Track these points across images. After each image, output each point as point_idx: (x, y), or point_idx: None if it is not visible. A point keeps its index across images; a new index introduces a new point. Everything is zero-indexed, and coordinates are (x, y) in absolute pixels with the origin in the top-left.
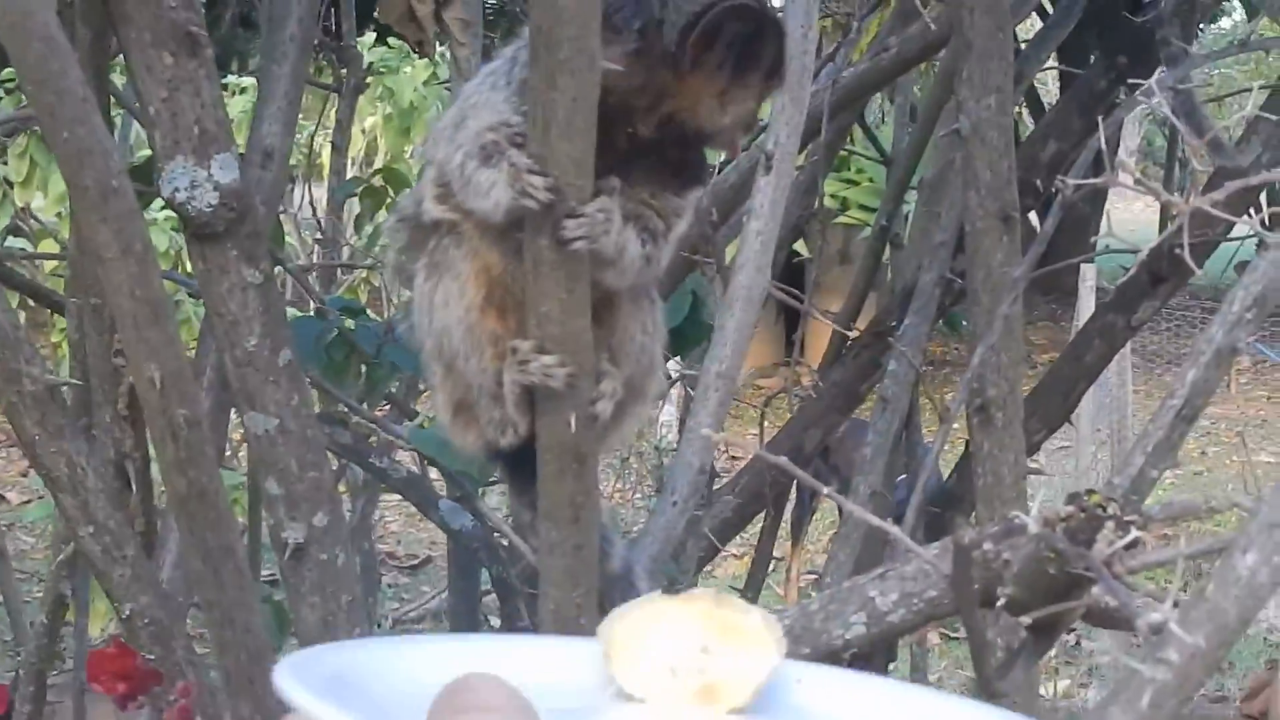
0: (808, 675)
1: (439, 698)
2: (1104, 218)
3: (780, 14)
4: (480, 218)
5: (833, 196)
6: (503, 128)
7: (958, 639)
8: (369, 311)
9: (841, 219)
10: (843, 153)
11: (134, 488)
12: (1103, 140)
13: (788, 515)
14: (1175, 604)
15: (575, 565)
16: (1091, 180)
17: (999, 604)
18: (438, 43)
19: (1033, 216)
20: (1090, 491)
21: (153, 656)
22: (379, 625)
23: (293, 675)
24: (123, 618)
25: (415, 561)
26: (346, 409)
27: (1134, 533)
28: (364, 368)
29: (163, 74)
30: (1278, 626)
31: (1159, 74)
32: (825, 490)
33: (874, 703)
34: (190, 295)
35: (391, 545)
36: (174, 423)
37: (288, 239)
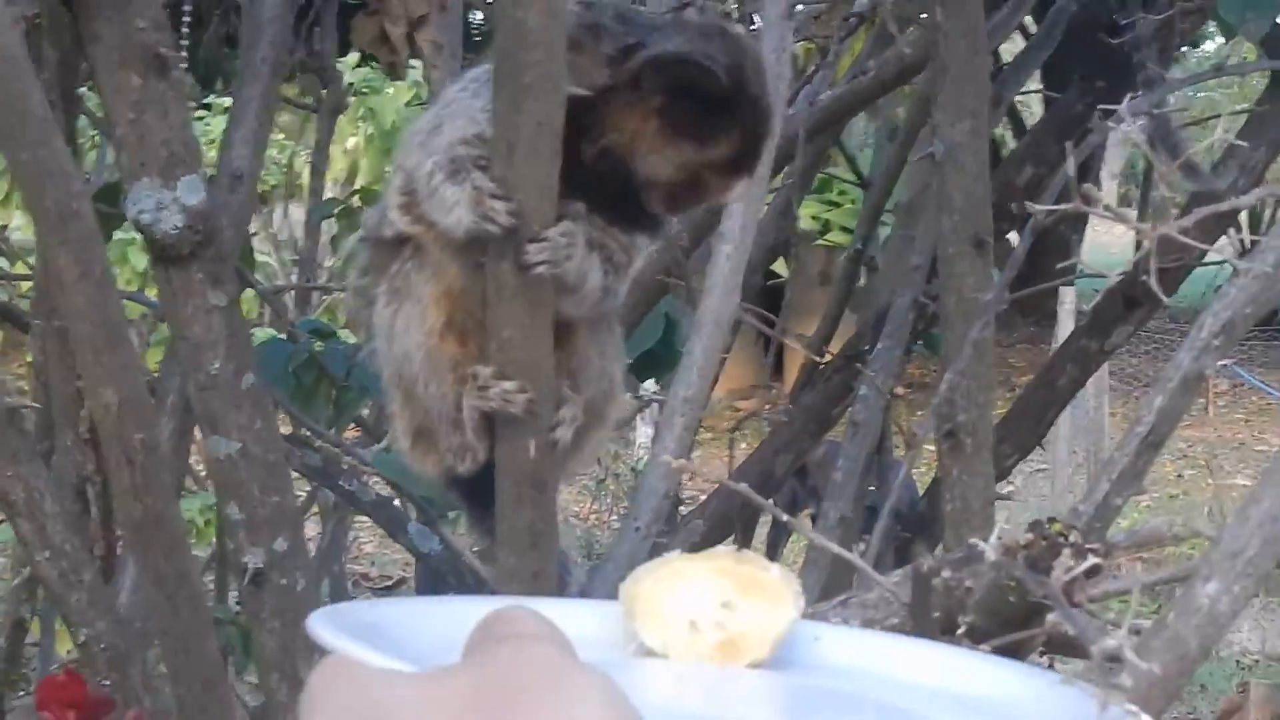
0: (826, 633)
1: (476, 629)
2: (1083, 241)
3: (773, 107)
4: (442, 231)
5: (814, 218)
6: (476, 141)
7: None
8: (344, 333)
9: (822, 241)
10: (823, 175)
11: (94, 512)
12: (1071, 165)
13: (764, 538)
14: (1137, 632)
15: (533, 592)
16: (1059, 206)
17: (960, 631)
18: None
19: (1014, 238)
20: (1051, 519)
21: (109, 683)
22: None
23: (328, 621)
24: (79, 643)
25: (389, 583)
26: (310, 432)
27: (1091, 560)
28: (334, 391)
29: (130, 95)
30: (1250, 649)
31: (1129, 98)
32: (784, 517)
33: (891, 658)
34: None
35: (366, 566)
36: (130, 447)
37: (268, 260)
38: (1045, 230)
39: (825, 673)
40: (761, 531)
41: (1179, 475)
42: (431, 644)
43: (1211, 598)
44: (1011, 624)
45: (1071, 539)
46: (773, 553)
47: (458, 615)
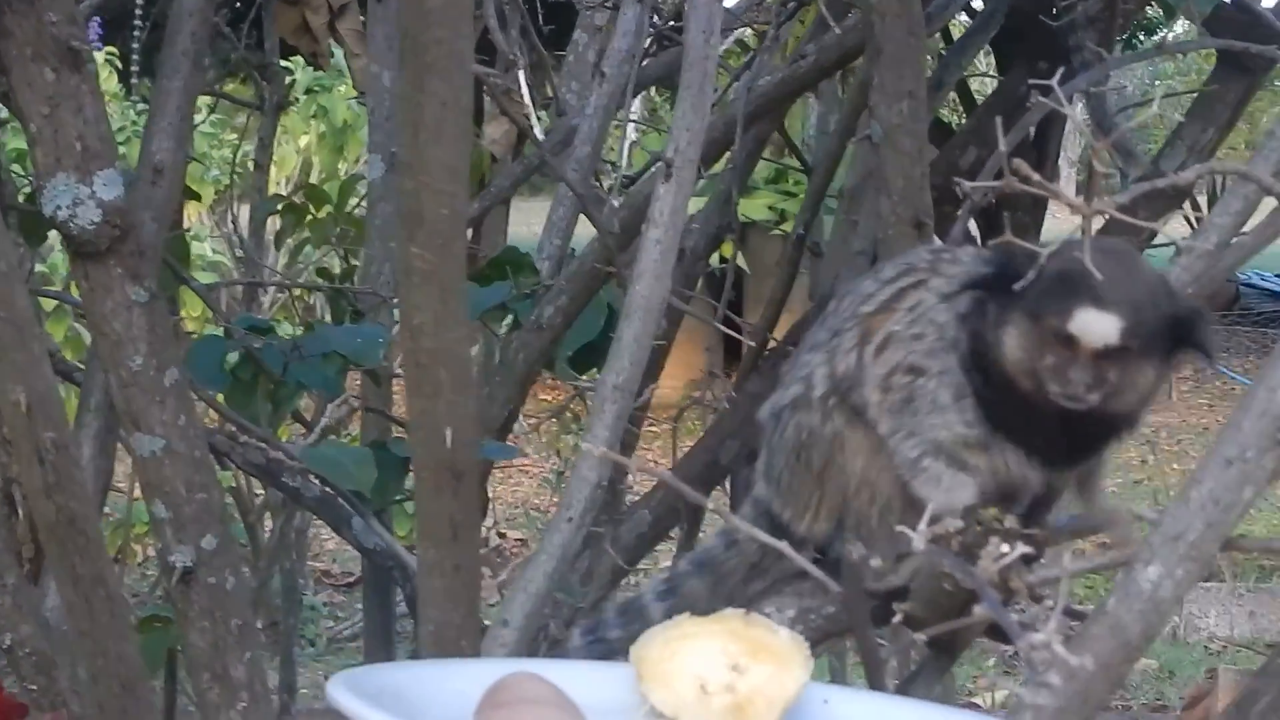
0: (834, 696)
1: (484, 696)
2: (1041, 227)
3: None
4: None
5: (770, 208)
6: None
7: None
8: (283, 329)
9: (778, 231)
10: (778, 166)
11: (20, 514)
12: (1002, 142)
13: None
14: (1079, 616)
15: (454, 586)
16: (988, 184)
17: (896, 620)
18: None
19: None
20: (986, 506)
21: (35, 688)
22: (311, 644)
23: (346, 687)
24: (3, 648)
25: (351, 579)
26: (237, 428)
27: (1022, 548)
28: (271, 387)
29: (44, 90)
30: (1218, 635)
31: (1058, 76)
32: (711, 506)
33: None
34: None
35: (326, 563)
36: (41, 446)
37: (222, 258)
38: (1002, 216)
39: None
40: (713, 519)
41: (1143, 461)
42: (448, 707)
43: (1154, 582)
44: (949, 614)
45: (1006, 525)
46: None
47: (475, 677)
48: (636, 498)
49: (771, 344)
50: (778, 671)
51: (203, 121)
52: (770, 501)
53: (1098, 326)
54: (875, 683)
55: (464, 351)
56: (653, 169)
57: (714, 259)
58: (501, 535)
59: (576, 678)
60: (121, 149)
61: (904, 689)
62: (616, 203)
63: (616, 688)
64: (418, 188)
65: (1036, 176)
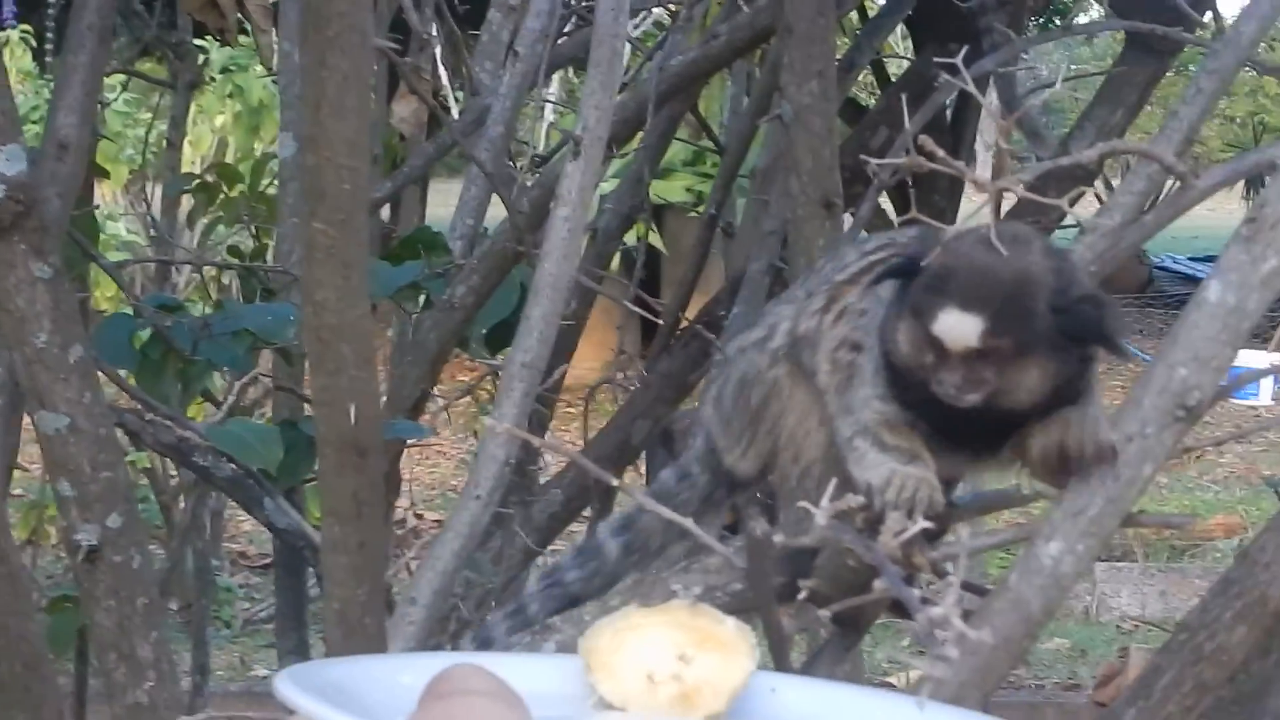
0: (782, 684)
1: (426, 687)
2: (958, 210)
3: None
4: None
5: (688, 190)
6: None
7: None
8: (193, 307)
9: (696, 213)
10: (696, 148)
11: None
12: (907, 120)
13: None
14: (982, 592)
15: (359, 563)
16: (895, 161)
17: (801, 597)
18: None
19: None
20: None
21: None
22: (227, 625)
23: (292, 682)
24: None
25: (266, 561)
26: (144, 406)
27: (922, 524)
28: (181, 366)
29: None
30: (1130, 615)
31: (961, 54)
32: (616, 482)
33: (846, 709)
34: None
35: (242, 545)
36: None
37: (136, 238)
38: (918, 198)
39: None
40: (627, 499)
41: None
42: (393, 700)
43: (1054, 557)
44: (853, 590)
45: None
46: None
47: (422, 670)
48: (549, 479)
49: (684, 324)
50: (724, 660)
51: (114, 99)
52: (711, 428)
53: (958, 329)
54: (780, 661)
55: (367, 327)
56: (565, 149)
57: (631, 239)
58: (418, 516)
59: (523, 670)
60: (35, 127)
61: (809, 667)
62: (529, 182)
63: (564, 679)
64: (319, 163)
65: (942, 154)
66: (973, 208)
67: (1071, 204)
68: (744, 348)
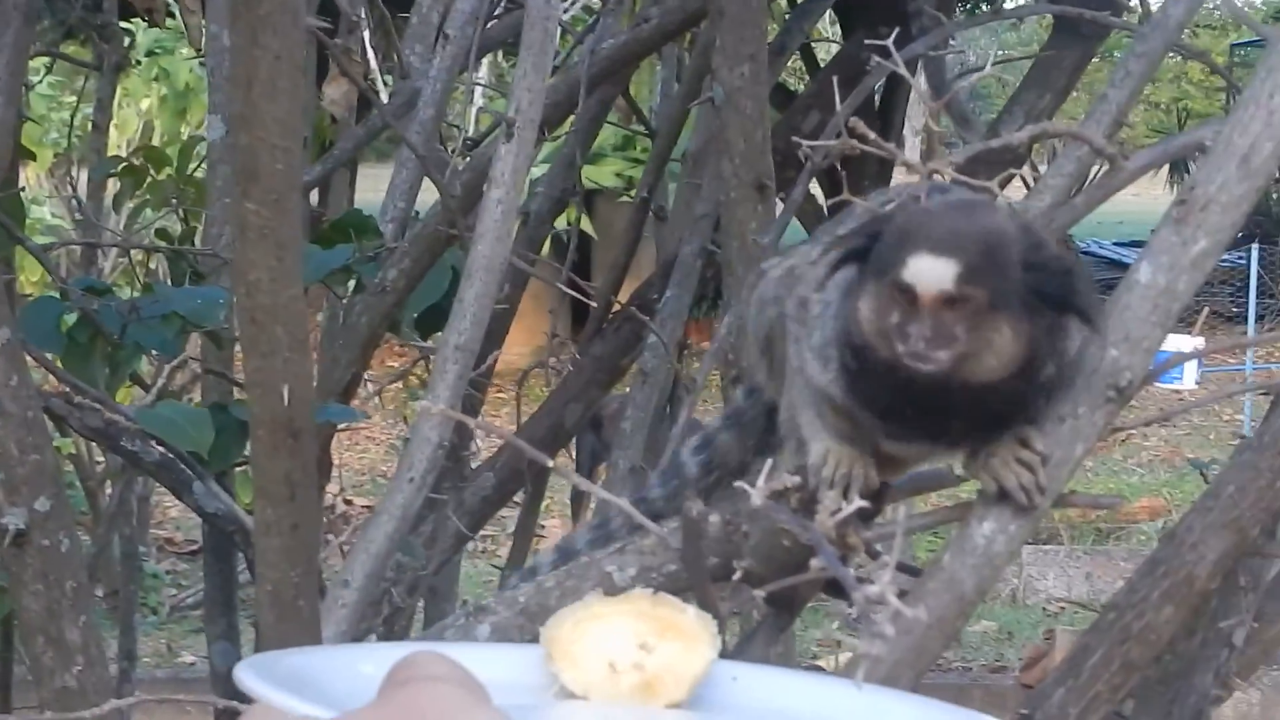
0: (742, 673)
1: (387, 674)
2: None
3: None
4: None
5: (618, 175)
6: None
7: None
8: (121, 291)
9: (627, 198)
10: (625, 131)
11: None
12: (838, 103)
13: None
14: (916, 572)
15: (292, 545)
16: (826, 143)
17: (736, 577)
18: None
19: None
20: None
21: None
22: (154, 612)
23: (253, 672)
24: None
25: (194, 547)
26: (72, 389)
27: (859, 503)
28: (109, 349)
29: None
30: (1055, 597)
31: (892, 39)
32: (551, 464)
33: (806, 697)
34: None
35: (170, 531)
36: None
37: (59, 220)
38: (848, 181)
39: (742, 712)
40: (557, 481)
41: None
42: (354, 690)
43: (987, 537)
44: (787, 569)
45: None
46: (576, 508)
47: (383, 660)
48: (481, 464)
49: (616, 308)
50: (686, 649)
51: (39, 82)
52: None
53: (931, 273)
54: None
55: (300, 308)
56: (496, 132)
57: (561, 224)
58: (348, 502)
59: (485, 658)
60: None
61: (744, 647)
62: (460, 166)
63: (526, 668)
64: (252, 143)
65: (874, 136)
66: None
67: (1002, 186)
68: (764, 271)
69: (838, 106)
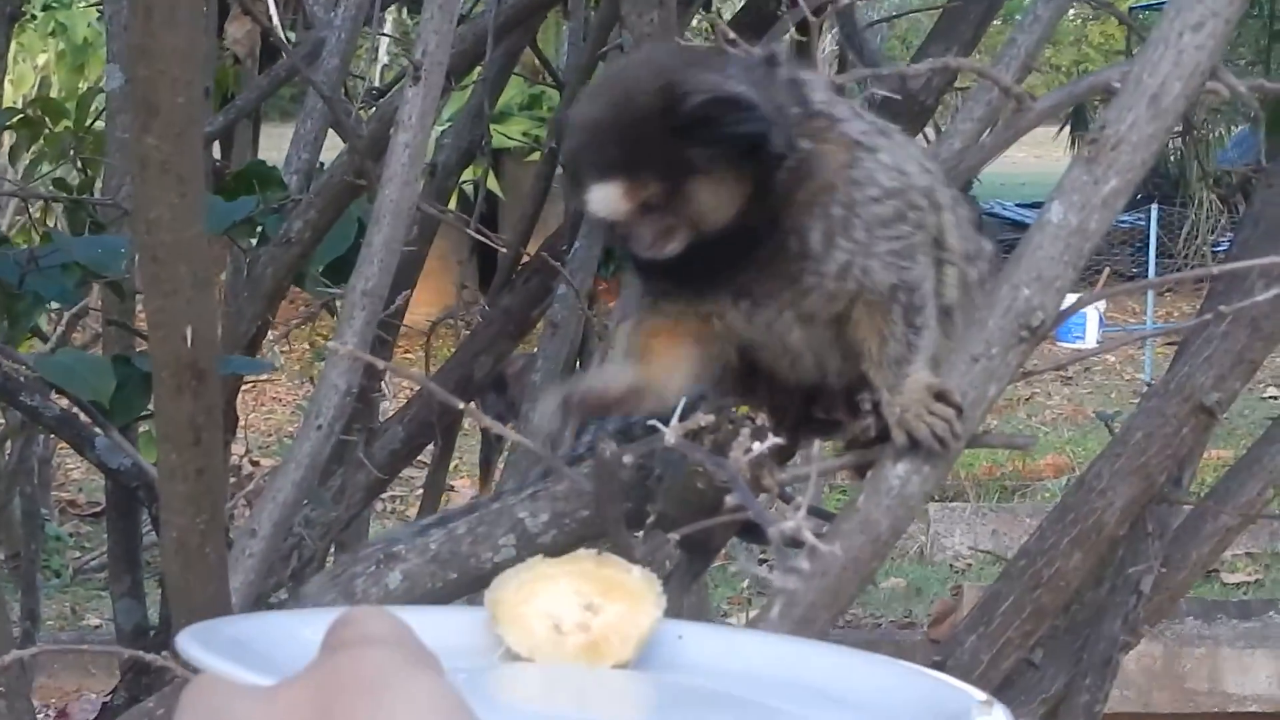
0: (688, 632)
1: (327, 633)
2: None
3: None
4: None
5: (525, 134)
6: None
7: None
8: (18, 239)
9: (534, 157)
10: (534, 91)
11: None
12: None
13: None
14: (828, 517)
15: (197, 491)
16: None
17: (650, 521)
18: None
19: None
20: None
21: None
22: (57, 575)
23: (195, 640)
24: None
25: (96, 509)
26: None
27: (772, 441)
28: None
29: None
30: (963, 554)
31: None
32: (462, 406)
33: (753, 655)
34: None
35: (73, 493)
36: None
37: None
38: None
39: (689, 671)
40: (465, 443)
41: None
42: (297, 655)
43: (901, 478)
44: (702, 512)
45: (758, 421)
46: (485, 468)
47: (325, 624)
48: (389, 417)
49: (524, 260)
50: (631, 609)
51: None
52: None
53: (604, 202)
54: None
55: (203, 246)
56: (402, 82)
57: (468, 186)
58: (254, 463)
59: (427, 622)
60: None
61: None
62: (365, 116)
63: (470, 632)
64: (152, 75)
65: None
66: None
67: (920, 123)
68: None
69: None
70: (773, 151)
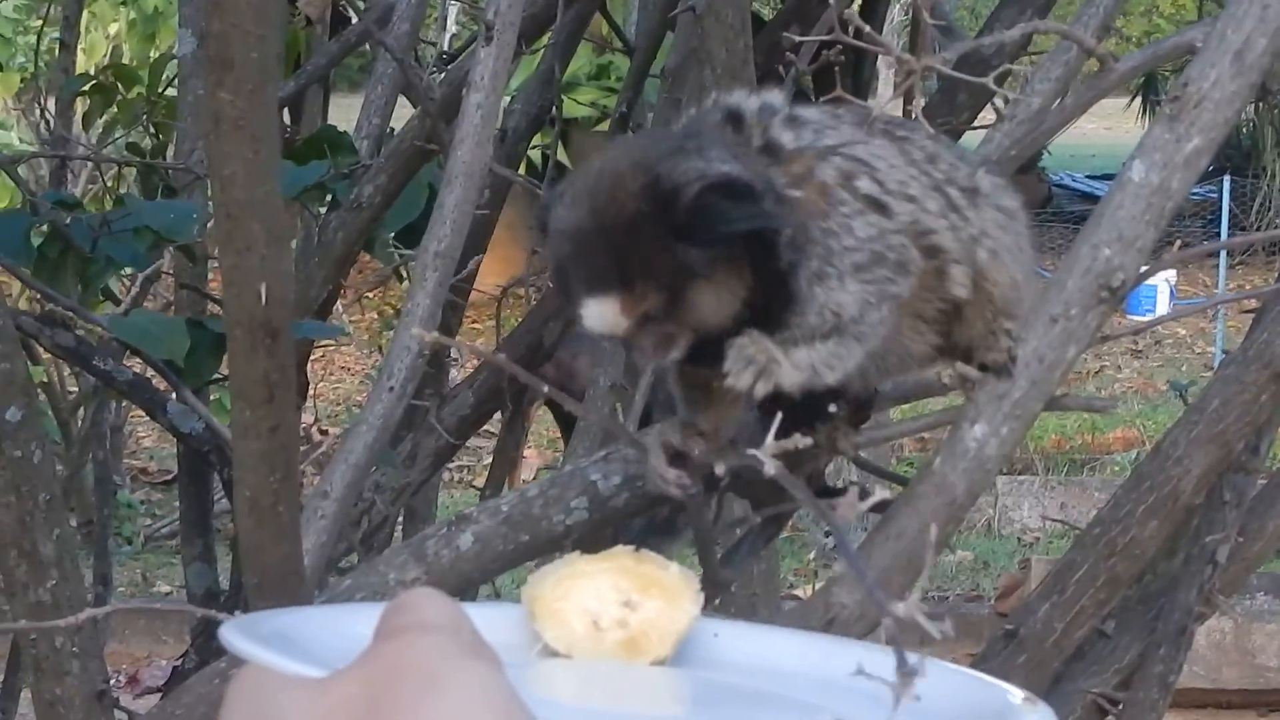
0: (724, 629)
1: (382, 618)
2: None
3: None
4: None
5: (593, 105)
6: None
7: None
8: (91, 205)
9: (602, 127)
10: (601, 61)
11: None
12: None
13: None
14: (905, 481)
15: (271, 449)
16: (819, 38)
17: (723, 484)
18: None
19: None
20: None
21: None
22: (129, 542)
23: (240, 631)
24: None
25: (168, 476)
26: (44, 296)
27: (833, 409)
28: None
29: None
30: (1031, 528)
31: None
32: (545, 388)
33: (788, 652)
34: None
35: (144, 461)
36: None
37: (27, 146)
38: (821, 92)
39: (725, 668)
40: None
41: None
42: (341, 649)
43: (979, 440)
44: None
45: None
46: (565, 433)
47: (371, 619)
48: (459, 382)
49: None
50: (668, 606)
51: (3, 4)
52: None
53: (601, 320)
54: (705, 555)
55: (277, 203)
56: (472, 47)
57: (534, 154)
58: (323, 432)
59: (470, 617)
60: None
61: (729, 558)
62: (436, 82)
63: (509, 627)
64: (225, 29)
65: (868, 29)
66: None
67: (999, 83)
68: None
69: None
70: (773, 229)
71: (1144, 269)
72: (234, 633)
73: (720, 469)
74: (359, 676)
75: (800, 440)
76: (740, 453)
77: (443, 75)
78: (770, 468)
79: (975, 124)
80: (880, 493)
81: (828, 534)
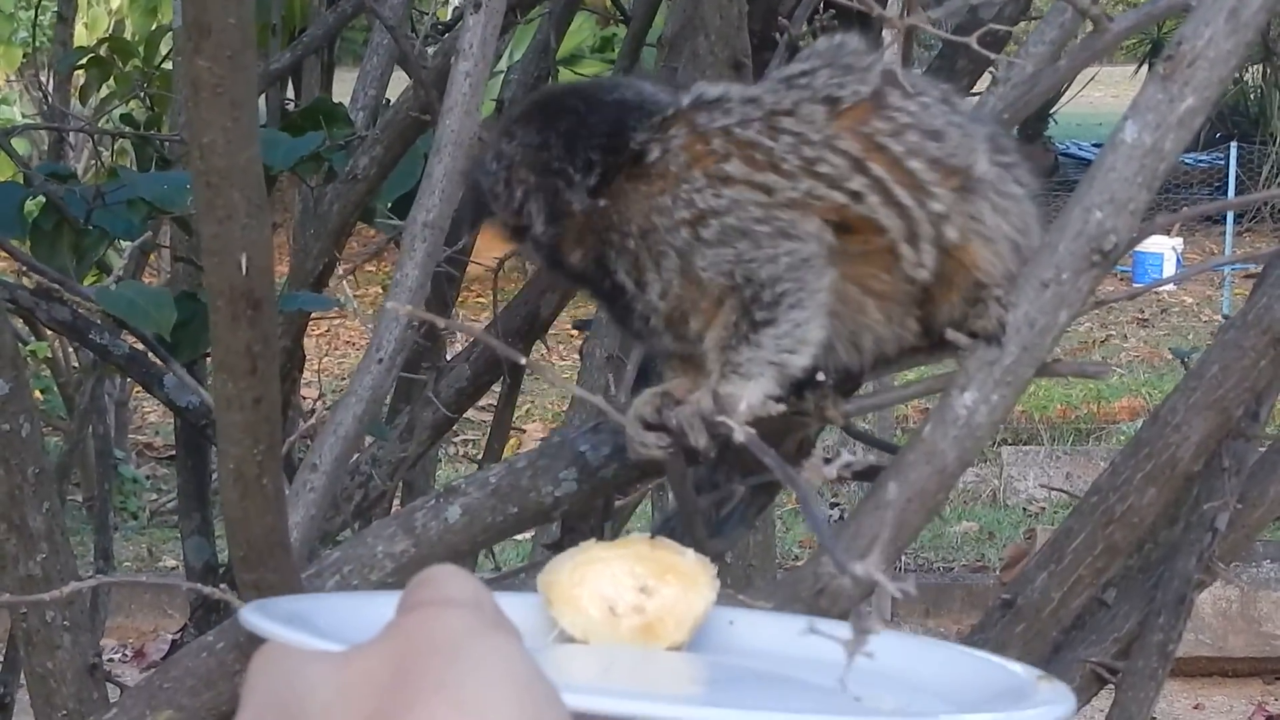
0: (739, 618)
1: (404, 593)
2: None
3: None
4: None
5: (596, 77)
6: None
7: None
8: (86, 177)
9: None
10: (604, 34)
11: None
12: None
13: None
14: (895, 449)
15: (254, 420)
16: None
17: (712, 455)
18: None
19: None
20: None
21: None
22: (134, 517)
23: (260, 612)
24: None
25: (173, 452)
26: (31, 269)
27: (821, 376)
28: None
29: None
30: (1037, 498)
31: None
32: (523, 360)
33: (801, 643)
34: None
35: (149, 436)
36: None
37: (27, 120)
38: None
39: (742, 655)
40: (536, 386)
41: None
42: (360, 628)
43: (969, 408)
44: (768, 439)
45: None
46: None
47: (381, 604)
48: (455, 355)
49: None
50: (685, 592)
51: None
52: None
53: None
54: (690, 526)
55: (258, 171)
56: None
57: None
58: (328, 407)
59: None
60: None
61: (720, 528)
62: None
63: (526, 613)
64: None
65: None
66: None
67: (998, 47)
68: None
69: None
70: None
71: (1143, 226)
72: (254, 614)
73: (700, 440)
74: (382, 649)
75: (773, 407)
76: (713, 420)
77: (438, 46)
78: (740, 434)
79: (973, 90)
80: (867, 459)
81: (833, 505)
